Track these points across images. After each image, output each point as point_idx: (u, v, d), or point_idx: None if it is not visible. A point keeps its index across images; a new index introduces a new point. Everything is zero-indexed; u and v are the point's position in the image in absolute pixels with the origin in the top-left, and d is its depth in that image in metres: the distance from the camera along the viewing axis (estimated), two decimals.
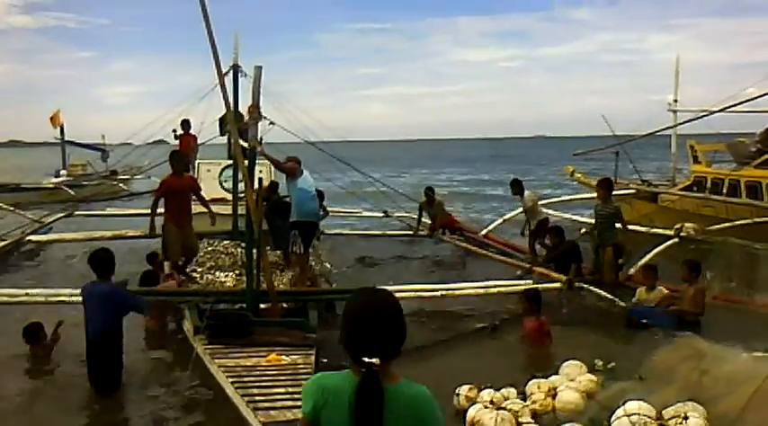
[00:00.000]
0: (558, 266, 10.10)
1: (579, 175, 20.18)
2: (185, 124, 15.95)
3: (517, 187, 12.64)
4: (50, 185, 28.26)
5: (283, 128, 8.70)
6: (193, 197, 9.92)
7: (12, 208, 17.16)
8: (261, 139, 8.33)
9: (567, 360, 6.31)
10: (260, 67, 8.18)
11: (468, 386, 5.96)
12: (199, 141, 15.77)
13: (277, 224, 10.31)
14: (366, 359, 2.31)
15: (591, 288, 8.80)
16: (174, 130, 15.97)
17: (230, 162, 11.76)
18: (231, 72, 11.09)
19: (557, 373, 6.16)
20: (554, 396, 5.72)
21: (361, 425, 2.29)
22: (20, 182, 29.53)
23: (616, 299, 8.82)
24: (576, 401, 5.62)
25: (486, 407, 5.53)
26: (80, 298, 7.37)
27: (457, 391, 5.96)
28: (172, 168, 9.78)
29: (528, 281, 8.98)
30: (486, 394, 5.78)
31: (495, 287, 8.66)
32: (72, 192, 26.35)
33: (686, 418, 4.81)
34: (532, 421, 5.39)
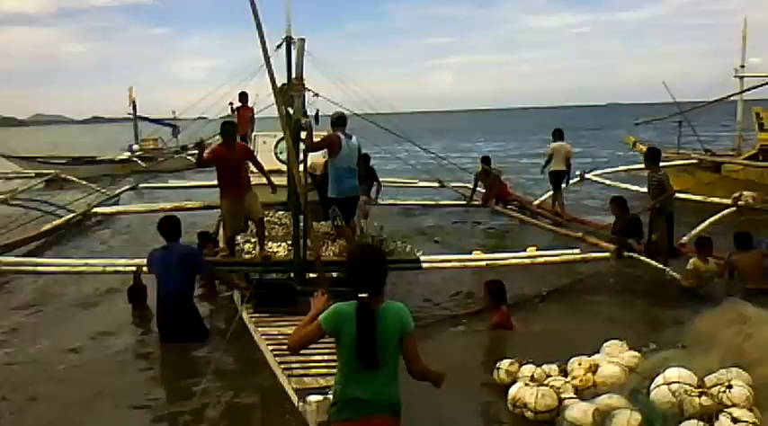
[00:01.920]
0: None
1: (641, 146, 19.57)
2: (243, 96, 16.17)
3: (558, 135, 14.01)
4: (123, 158, 29.43)
5: (328, 99, 8.68)
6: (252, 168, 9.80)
7: (83, 182, 17.96)
8: (307, 112, 8.38)
9: (609, 340, 6.19)
10: (303, 40, 8.24)
11: (508, 361, 5.95)
12: (255, 113, 15.99)
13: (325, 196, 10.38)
14: (360, 295, 3.51)
15: (641, 257, 8.55)
16: (231, 103, 16.20)
17: None
18: (285, 44, 11.17)
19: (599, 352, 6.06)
20: (594, 372, 5.65)
21: (361, 335, 3.48)
22: (95, 156, 30.81)
23: (667, 269, 8.57)
24: (617, 374, 5.52)
25: (526, 384, 5.52)
26: (134, 268, 7.82)
27: (498, 365, 5.96)
28: (222, 139, 9.27)
29: (575, 251, 8.80)
30: (528, 370, 5.76)
31: (541, 257, 8.53)
32: (143, 165, 27.38)
33: (730, 387, 4.64)
34: (575, 396, 5.35)
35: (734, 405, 4.51)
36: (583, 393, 5.47)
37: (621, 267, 8.54)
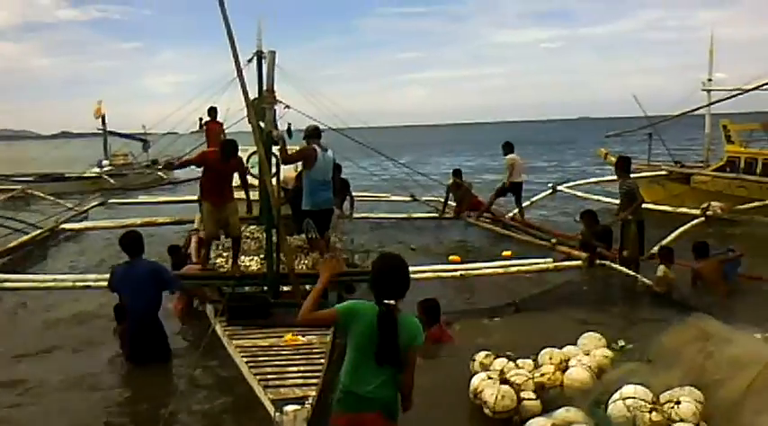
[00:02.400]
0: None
1: (612, 158, 19.92)
2: (212, 111, 16.11)
3: (509, 147, 14.18)
4: (92, 174, 29.02)
5: (299, 111, 8.68)
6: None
7: (51, 197, 17.72)
8: (278, 125, 8.39)
9: (587, 332, 6.32)
10: (273, 52, 8.27)
11: (485, 353, 6.05)
12: (225, 128, 15.93)
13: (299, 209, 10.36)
14: (386, 301, 3.73)
15: (612, 265, 8.68)
16: (201, 118, 16.13)
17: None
18: (255, 58, 11.18)
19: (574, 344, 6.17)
20: (564, 371, 5.75)
21: (383, 339, 3.68)
22: (63, 172, 30.36)
23: (638, 276, 8.73)
24: (585, 379, 5.61)
25: (490, 378, 5.60)
26: (106, 283, 7.69)
27: (473, 357, 6.06)
28: (221, 154, 8.73)
29: (547, 260, 8.88)
30: (498, 364, 5.84)
31: (514, 266, 8.59)
32: (113, 181, 27.07)
33: (678, 403, 4.79)
34: (534, 396, 5.44)
35: (682, 420, 4.66)
36: (549, 391, 5.58)
37: (594, 274, 8.64)
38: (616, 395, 4.94)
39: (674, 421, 4.68)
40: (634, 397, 4.84)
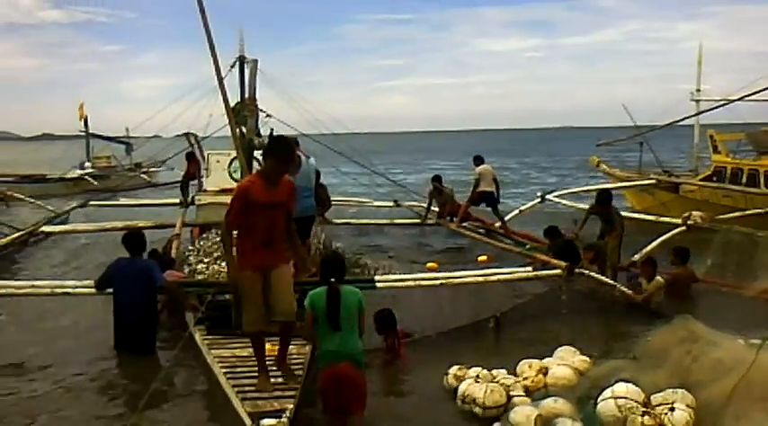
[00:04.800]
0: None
1: (604, 166, 20.27)
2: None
3: (479, 160, 14.55)
4: (74, 176, 28.77)
5: (281, 120, 8.70)
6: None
7: (31, 199, 17.52)
8: (260, 132, 8.40)
9: (562, 346, 6.38)
10: (256, 61, 8.29)
11: (457, 366, 6.13)
12: (207, 133, 15.71)
13: None
14: (331, 280, 5.20)
15: (591, 273, 8.72)
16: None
17: None
18: (237, 63, 11.18)
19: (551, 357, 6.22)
20: (545, 374, 5.82)
21: (330, 308, 5.12)
22: (45, 174, 30.09)
23: (617, 284, 8.79)
24: (569, 376, 5.72)
25: (477, 381, 5.69)
26: (86, 290, 7.66)
27: (446, 371, 6.13)
28: (269, 161, 5.63)
29: (527, 269, 8.89)
30: (473, 372, 5.91)
31: (494, 275, 8.57)
32: (95, 183, 26.88)
33: (672, 409, 4.79)
34: (524, 394, 5.51)
35: None
36: (533, 394, 5.62)
37: (573, 283, 8.68)
38: (607, 392, 4.94)
39: None
40: (626, 398, 4.84)
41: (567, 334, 7.44)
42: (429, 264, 11.45)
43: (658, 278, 8.95)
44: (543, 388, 5.69)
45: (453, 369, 6.12)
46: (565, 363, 5.95)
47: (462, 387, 5.71)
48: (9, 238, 13.01)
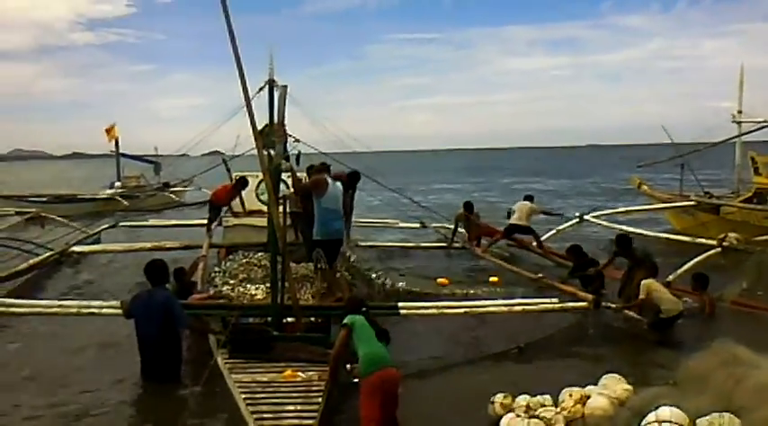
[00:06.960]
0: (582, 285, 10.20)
1: (645, 187, 20.18)
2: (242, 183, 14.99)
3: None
4: (105, 196, 29.23)
5: (309, 145, 8.72)
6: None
7: (64, 220, 17.85)
8: (288, 154, 8.44)
9: (607, 373, 6.22)
10: (285, 87, 8.31)
11: (502, 394, 5.99)
12: (235, 152, 15.82)
13: (309, 236, 10.37)
14: (362, 311, 6.39)
15: (617, 307, 8.58)
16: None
17: None
18: (267, 87, 11.26)
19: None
20: (584, 404, 5.69)
21: (376, 327, 6.26)
22: (76, 193, 30.60)
23: (643, 319, 8.62)
24: (605, 406, 5.59)
25: (518, 416, 5.59)
26: (111, 310, 7.72)
27: (492, 399, 5.99)
28: None
29: (554, 300, 8.75)
30: (522, 400, 5.81)
31: (519, 305, 8.46)
32: (126, 203, 27.27)
33: None
34: None
35: None
36: (571, 424, 5.54)
37: (599, 317, 8.55)
38: (651, 416, 4.81)
39: None
40: (671, 422, 4.70)
41: (608, 361, 7.32)
42: (440, 280, 11.38)
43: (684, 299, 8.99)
44: (581, 419, 5.58)
45: (499, 397, 5.97)
46: (605, 392, 5.83)
47: (504, 422, 5.63)
48: (40, 258, 13.30)
